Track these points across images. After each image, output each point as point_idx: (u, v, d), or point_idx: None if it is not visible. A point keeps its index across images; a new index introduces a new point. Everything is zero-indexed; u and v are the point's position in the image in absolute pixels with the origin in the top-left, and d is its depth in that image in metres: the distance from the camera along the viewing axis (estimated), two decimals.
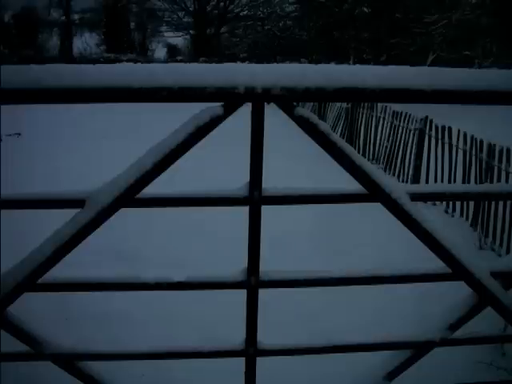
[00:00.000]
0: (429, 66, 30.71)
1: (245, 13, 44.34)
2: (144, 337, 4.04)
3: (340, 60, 27.48)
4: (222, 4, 47.80)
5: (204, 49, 46.37)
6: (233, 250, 3.32)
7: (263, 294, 2.02)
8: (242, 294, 2.04)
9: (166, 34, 54.00)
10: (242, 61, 26.25)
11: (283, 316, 4.30)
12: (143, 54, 49.01)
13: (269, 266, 2.04)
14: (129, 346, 2.29)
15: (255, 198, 1.82)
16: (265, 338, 2.16)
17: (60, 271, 1.92)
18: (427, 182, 8.34)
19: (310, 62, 26.92)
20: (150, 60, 45.71)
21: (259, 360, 2.17)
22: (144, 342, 2.47)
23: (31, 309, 3.13)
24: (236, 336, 2.20)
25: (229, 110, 1.71)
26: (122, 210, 1.81)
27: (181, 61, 43.17)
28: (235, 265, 2.10)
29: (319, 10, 24.19)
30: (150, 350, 2.23)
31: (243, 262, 1.97)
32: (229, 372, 2.78)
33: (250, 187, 1.81)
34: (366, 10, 22.05)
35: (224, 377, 3.18)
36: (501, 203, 6.30)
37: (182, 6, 49.51)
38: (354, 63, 23.27)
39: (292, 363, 3.07)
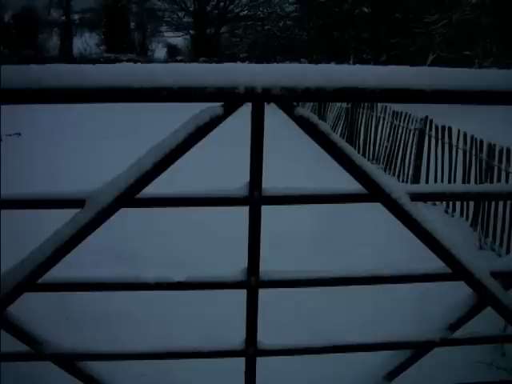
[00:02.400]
0: (429, 65, 30.69)
1: (245, 13, 44.39)
2: (144, 337, 4.04)
3: (340, 60, 27.49)
4: (221, 4, 47.85)
5: (204, 49, 46.40)
6: (233, 249, 3.33)
7: (263, 293, 2.02)
8: (241, 294, 2.04)
9: (165, 34, 54.07)
10: (242, 61, 26.24)
11: (283, 316, 4.30)
12: (143, 54, 49.05)
13: (269, 265, 2.05)
14: (128, 346, 2.29)
15: (255, 198, 1.82)
16: (265, 338, 2.16)
17: (60, 271, 1.92)
18: (427, 182, 8.34)
19: (310, 62, 26.93)
20: (150, 60, 45.76)
21: (259, 360, 2.17)
22: (144, 341, 2.47)
23: (31, 309, 3.13)
24: (236, 336, 2.20)
25: (229, 110, 1.71)
26: (122, 210, 1.81)
27: (181, 61, 43.17)
28: (235, 265, 2.10)
29: (319, 10, 24.17)
30: (150, 350, 2.23)
31: (243, 261, 1.97)
32: (229, 372, 2.78)
33: (250, 187, 1.81)
34: (366, 10, 22.03)
35: (224, 377, 3.18)
36: (501, 203, 6.30)
37: (182, 6, 49.59)
38: (354, 63, 23.27)
39: (292, 363, 3.07)
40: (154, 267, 4.96)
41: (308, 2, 26.38)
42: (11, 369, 3.11)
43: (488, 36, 32.63)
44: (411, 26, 20.95)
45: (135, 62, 44.12)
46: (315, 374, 3.64)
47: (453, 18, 20.94)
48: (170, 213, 2.88)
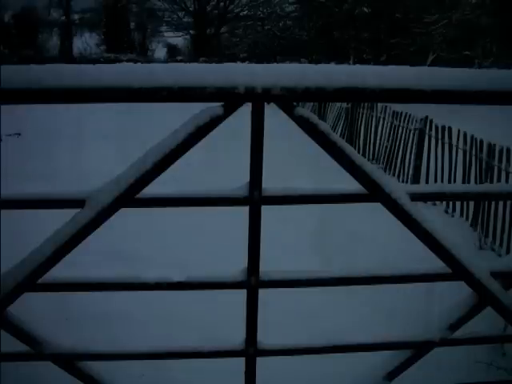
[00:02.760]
0: (429, 65, 30.62)
1: (245, 13, 44.31)
2: (144, 337, 4.04)
3: (340, 60, 27.37)
4: (221, 4, 47.78)
5: (204, 49, 46.35)
6: (233, 249, 3.33)
7: (263, 294, 2.02)
8: (242, 294, 2.04)
9: (165, 34, 54.04)
10: (242, 61, 26.20)
11: (283, 316, 4.30)
12: (143, 54, 49.00)
13: (269, 265, 2.05)
14: (129, 346, 2.29)
15: (255, 198, 1.82)
16: (265, 338, 2.16)
17: (60, 271, 1.92)
18: (427, 181, 8.34)
19: (310, 62, 26.84)
20: (150, 60, 45.68)
21: (259, 360, 2.17)
22: (144, 341, 2.47)
23: (31, 309, 3.13)
24: (236, 336, 2.20)
25: (229, 110, 1.71)
26: (122, 210, 1.81)
27: (181, 61, 43.15)
28: (235, 265, 2.10)
29: (319, 10, 24.11)
30: (150, 350, 2.24)
31: (243, 262, 1.97)
32: (229, 372, 2.78)
33: (250, 187, 1.81)
34: (365, 10, 21.97)
35: (224, 377, 3.18)
36: (501, 203, 6.30)
37: (182, 6, 49.56)
38: (354, 63, 23.23)
39: (292, 363, 3.07)
40: (154, 267, 4.95)
41: (308, 2, 26.38)
42: (11, 369, 3.06)
43: (488, 36, 32.61)
44: (411, 25, 20.88)
45: (135, 61, 44.06)
46: (315, 374, 3.64)
47: (453, 18, 20.90)
48: (170, 213, 2.88)
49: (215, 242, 5.93)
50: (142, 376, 3.71)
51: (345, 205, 2.01)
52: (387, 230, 4.42)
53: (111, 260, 5.29)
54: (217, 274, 2.04)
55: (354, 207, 2.61)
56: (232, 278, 2.00)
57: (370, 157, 10.63)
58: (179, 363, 2.58)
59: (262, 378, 2.29)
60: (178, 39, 53.05)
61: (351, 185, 1.94)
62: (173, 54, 50.66)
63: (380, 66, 1.92)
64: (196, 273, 2.03)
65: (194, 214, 4.45)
